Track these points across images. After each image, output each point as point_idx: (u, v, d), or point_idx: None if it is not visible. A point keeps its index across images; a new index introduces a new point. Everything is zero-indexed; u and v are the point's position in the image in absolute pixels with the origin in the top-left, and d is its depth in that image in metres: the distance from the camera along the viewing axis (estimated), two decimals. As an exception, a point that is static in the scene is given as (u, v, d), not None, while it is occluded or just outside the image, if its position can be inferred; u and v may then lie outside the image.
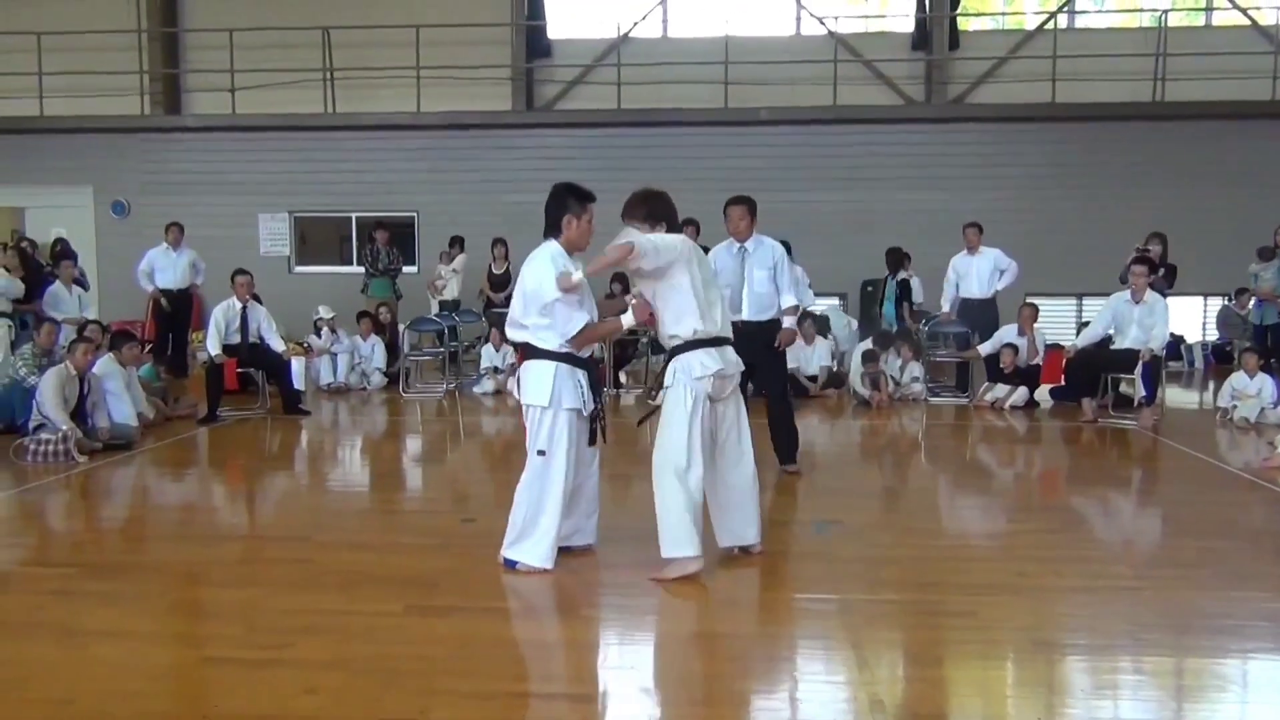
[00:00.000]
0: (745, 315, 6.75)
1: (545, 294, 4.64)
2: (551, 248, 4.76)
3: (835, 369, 11.56)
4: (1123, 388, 10.18)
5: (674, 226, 4.94)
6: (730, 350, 4.81)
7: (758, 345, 6.55)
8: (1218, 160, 14.71)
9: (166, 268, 12.60)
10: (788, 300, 6.94)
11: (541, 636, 4.05)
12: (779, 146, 15.20)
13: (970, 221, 11.28)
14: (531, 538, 4.73)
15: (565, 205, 4.76)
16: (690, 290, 4.68)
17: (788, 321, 7.00)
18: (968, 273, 11.18)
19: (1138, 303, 9.45)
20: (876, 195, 14.97)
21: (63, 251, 12.53)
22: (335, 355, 12.05)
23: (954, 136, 15.23)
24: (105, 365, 8.60)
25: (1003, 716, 3.48)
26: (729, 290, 6.64)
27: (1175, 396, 11.52)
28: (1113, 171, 14.84)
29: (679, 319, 4.70)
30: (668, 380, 4.74)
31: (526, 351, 4.82)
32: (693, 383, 4.63)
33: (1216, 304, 15.19)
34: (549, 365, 4.71)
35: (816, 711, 3.46)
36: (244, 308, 10.11)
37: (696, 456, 4.60)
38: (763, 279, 6.85)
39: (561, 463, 4.66)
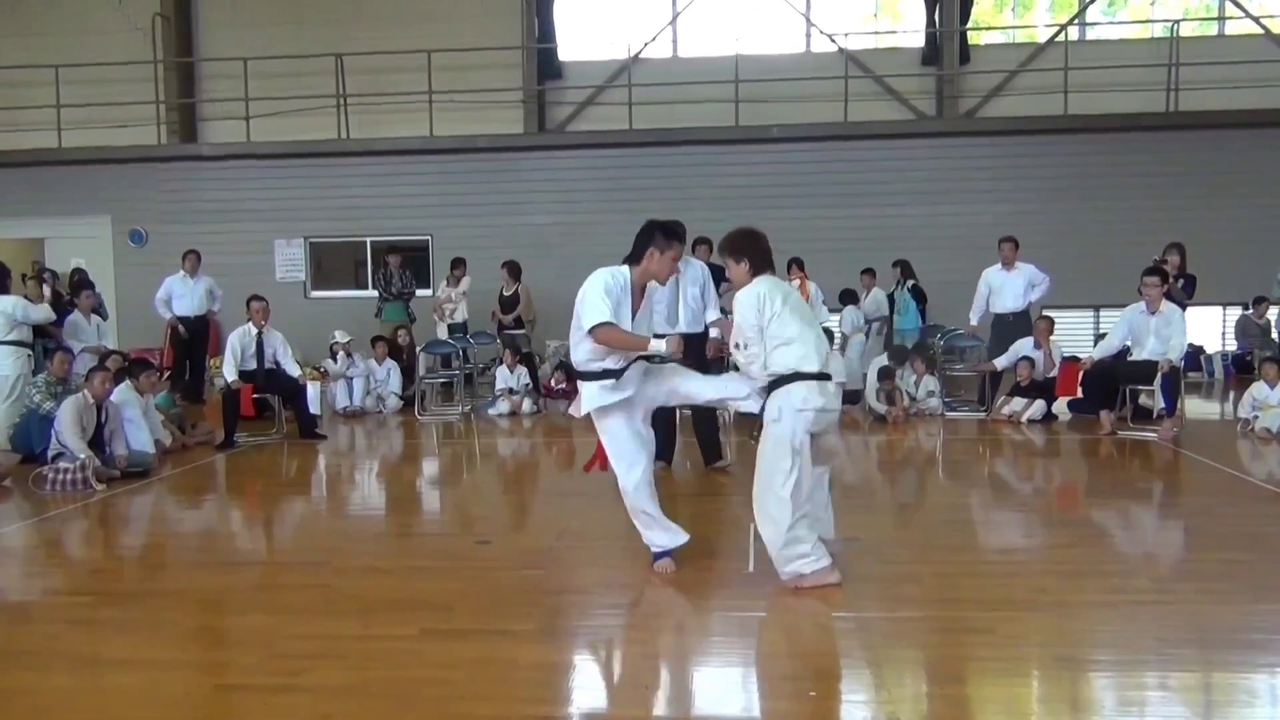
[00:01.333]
0: (680, 327, 7.33)
1: (584, 319, 4.86)
2: (615, 272, 4.96)
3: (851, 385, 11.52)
4: (1141, 399, 10.10)
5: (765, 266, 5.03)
6: (830, 386, 4.85)
7: (688, 353, 6.93)
8: (1234, 169, 14.64)
9: (184, 295, 12.69)
10: (712, 314, 7.68)
11: (557, 658, 4.03)
12: (791, 164, 15.22)
13: (1006, 236, 11.22)
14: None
15: (652, 238, 4.97)
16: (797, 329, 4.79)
17: (714, 333, 7.67)
18: (1001, 288, 11.12)
19: (1153, 314, 9.39)
20: (889, 210, 14.94)
21: (81, 281, 12.63)
22: (351, 380, 12.10)
23: (966, 150, 15.21)
24: (123, 393, 8.65)
25: (1025, 735, 3.43)
26: (664, 306, 7.04)
27: (1195, 407, 11.42)
28: (1128, 182, 14.78)
29: (782, 354, 4.75)
30: (771, 414, 4.75)
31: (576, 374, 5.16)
32: (795, 415, 4.68)
33: (1236, 314, 15.08)
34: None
35: (835, 732, 3.43)
36: (260, 333, 10.16)
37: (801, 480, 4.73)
38: (695, 295, 7.59)
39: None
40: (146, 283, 13.80)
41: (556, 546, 5.80)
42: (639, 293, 5.07)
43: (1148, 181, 14.73)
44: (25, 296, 11.56)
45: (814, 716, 3.58)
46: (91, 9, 16.50)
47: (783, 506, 4.65)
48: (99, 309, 11.99)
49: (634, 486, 5.02)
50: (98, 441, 8.05)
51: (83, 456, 7.72)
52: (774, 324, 4.69)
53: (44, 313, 10.00)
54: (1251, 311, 13.98)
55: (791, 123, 15.13)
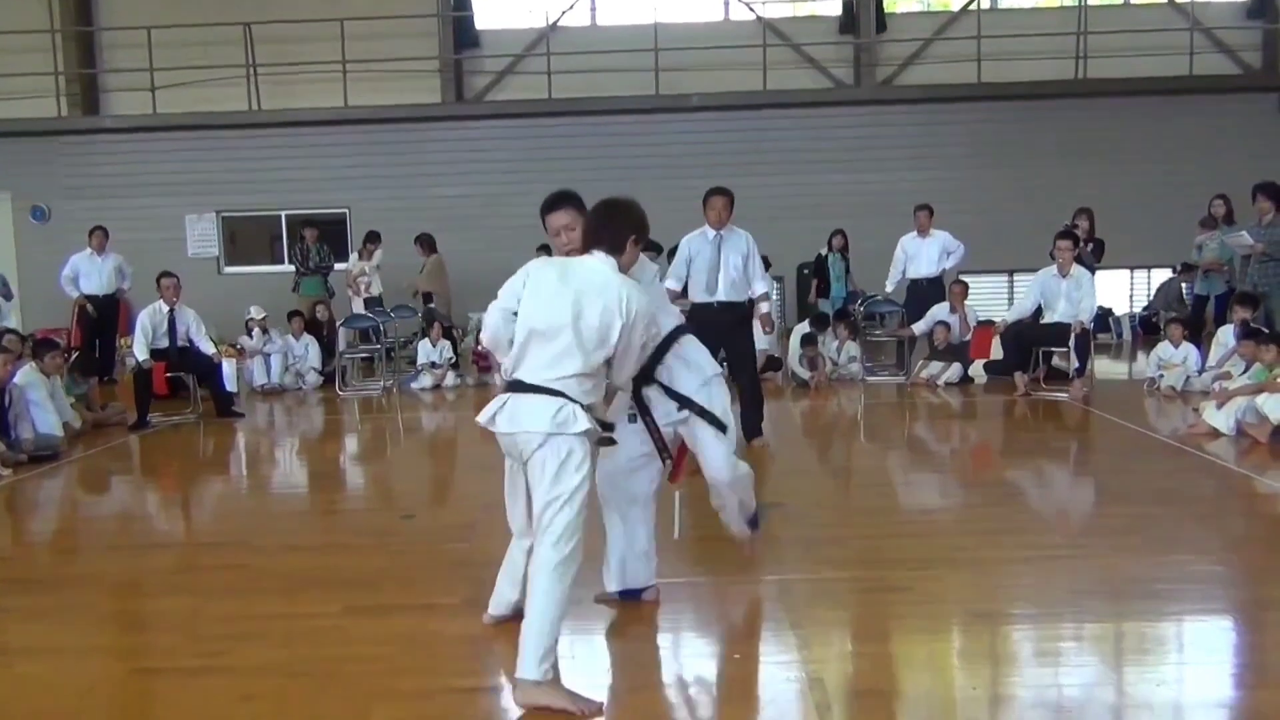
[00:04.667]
0: (720, 297, 7.27)
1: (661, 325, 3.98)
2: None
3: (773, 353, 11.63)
4: (1054, 361, 10.37)
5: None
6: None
7: (724, 325, 7.18)
8: (1140, 136, 15.05)
9: (91, 273, 12.29)
10: (760, 287, 7.50)
11: (483, 631, 4.01)
12: (711, 133, 15.25)
13: (921, 204, 11.40)
14: None
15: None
16: None
17: (765, 307, 7.65)
18: (917, 254, 11.30)
19: (1064, 277, 9.63)
20: (809, 179, 15.08)
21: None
22: (268, 356, 11.85)
23: (884, 118, 15.40)
24: (27, 375, 8.34)
25: (944, 688, 3.51)
26: (704, 274, 7.28)
27: (1104, 368, 11.75)
28: (1039, 149, 15.12)
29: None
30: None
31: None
32: None
33: (1143, 276, 15.56)
34: None
35: (760, 691, 3.47)
36: (171, 311, 9.89)
37: None
38: (737, 264, 7.27)
39: None
40: (51, 261, 13.34)
41: (481, 520, 5.74)
42: None
43: (1057, 148, 15.09)
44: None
45: (738, 679, 3.63)
46: (-17, -25, 15.81)
47: None
48: (1, 289, 11.58)
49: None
50: (2, 425, 7.77)
51: (-14, 441, 7.45)
52: None
53: None
54: (1181, 276, 14.23)
55: (711, 91, 15.13)
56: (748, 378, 7.51)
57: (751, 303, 7.58)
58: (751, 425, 7.41)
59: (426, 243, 13.20)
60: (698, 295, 7.29)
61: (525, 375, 3.46)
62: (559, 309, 3.43)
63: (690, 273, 7.32)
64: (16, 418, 7.95)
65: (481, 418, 3.54)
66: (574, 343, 3.41)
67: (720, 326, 7.07)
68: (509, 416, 3.46)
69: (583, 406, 3.43)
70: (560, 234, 3.98)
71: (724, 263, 7.25)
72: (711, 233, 7.29)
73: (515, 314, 3.56)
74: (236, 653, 3.87)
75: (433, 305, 12.73)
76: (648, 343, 3.77)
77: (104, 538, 6.07)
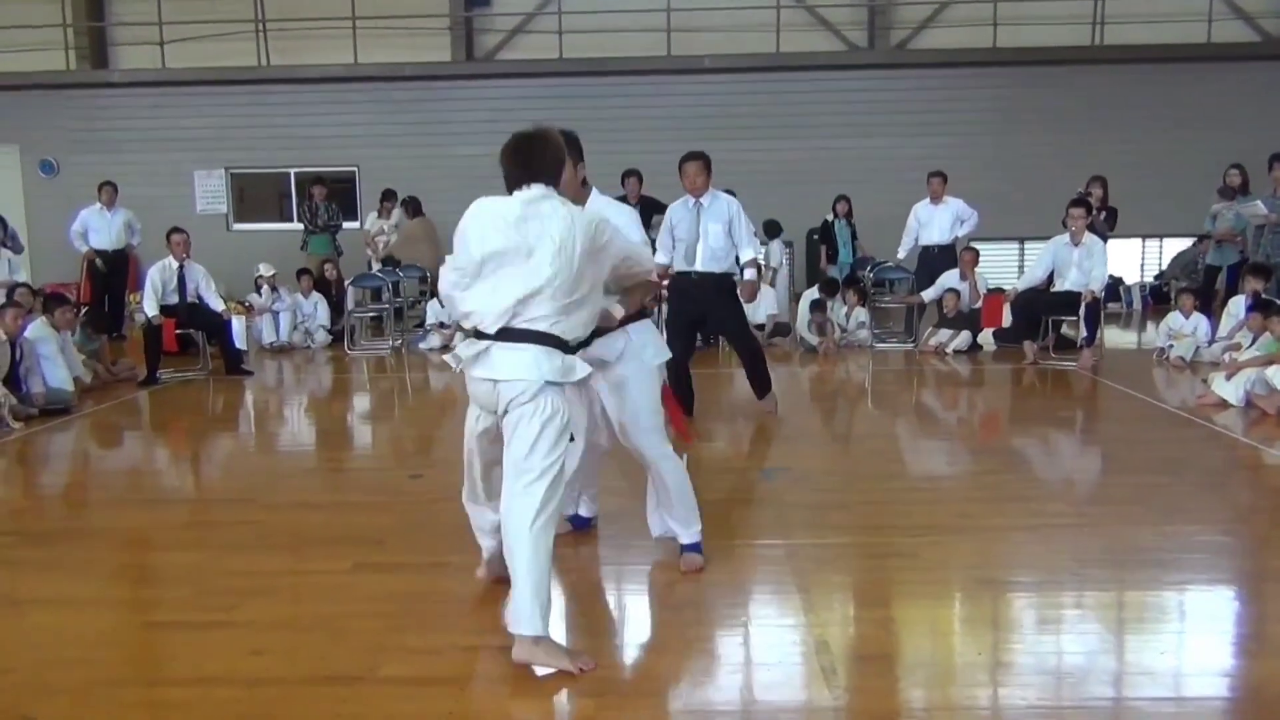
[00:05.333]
0: (698, 267, 7.01)
1: (643, 260, 3.95)
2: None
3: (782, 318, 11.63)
4: (1064, 329, 10.34)
5: None
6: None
7: (709, 294, 7.05)
8: (1156, 103, 14.89)
9: (100, 228, 12.30)
10: (746, 254, 7.16)
11: (489, 590, 4.04)
12: (723, 95, 15.12)
13: (934, 171, 11.34)
14: None
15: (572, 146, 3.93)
16: None
17: (749, 274, 7.26)
18: (930, 221, 11.29)
19: (1076, 245, 9.58)
20: (821, 142, 14.96)
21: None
22: (277, 314, 11.87)
23: (897, 83, 15.25)
24: (38, 329, 8.38)
25: (947, 653, 3.54)
26: (683, 244, 7.03)
27: (1114, 337, 11.73)
28: (1054, 116, 14.97)
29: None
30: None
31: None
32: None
33: (1155, 246, 15.46)
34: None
35: (765, 655, 3.50)
36: (181, 267, 9.89)
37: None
38: (717, 233, 6.99)
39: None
40: (60, 215, 13.33)
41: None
42: None
43: (1072, 115, 14.93)
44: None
45: (743, 642, 3.66)
46: (-9, -75, 15.66)
47: None
48: (11, 243, 11.58)
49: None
50: (13, 379, 7.81)
51: (-3, 394, 7.49)
52: None
53: None
54: (1198, 246, 14.11)
55: (724, 53, 15.00)
56: (743, 344, 7.46)
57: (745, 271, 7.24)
58: (759, 384, 7.44)
59: (412, 206, 13.20)
60: (678, 264, 7.10)
61: (506, 322, 3.33)
62: (514, 246, 3.32)
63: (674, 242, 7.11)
64: (27, 372, 8.00)
65: (458, 361, 3.43)
66: (540, 277, 3.30)
67: (701, 297, 7.03)
68: (490, 363, 3.36)
69: (570, 350, 3.38)
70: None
71: (703, 231, 6.98)
72: (691, 201, 7.03)
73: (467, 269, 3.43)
74: (246, 607, 3.92)
75: (399, 270, 12.52)
76: (630, 257, 3.71)
77: (115, 492, 6.13)
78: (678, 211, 7.11)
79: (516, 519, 3.30)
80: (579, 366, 3.43)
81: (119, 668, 3.53)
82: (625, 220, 4.03)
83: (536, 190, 3.42)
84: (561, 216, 3.37)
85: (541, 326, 3.34)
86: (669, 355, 4.22)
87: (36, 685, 3.30)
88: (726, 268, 7.14)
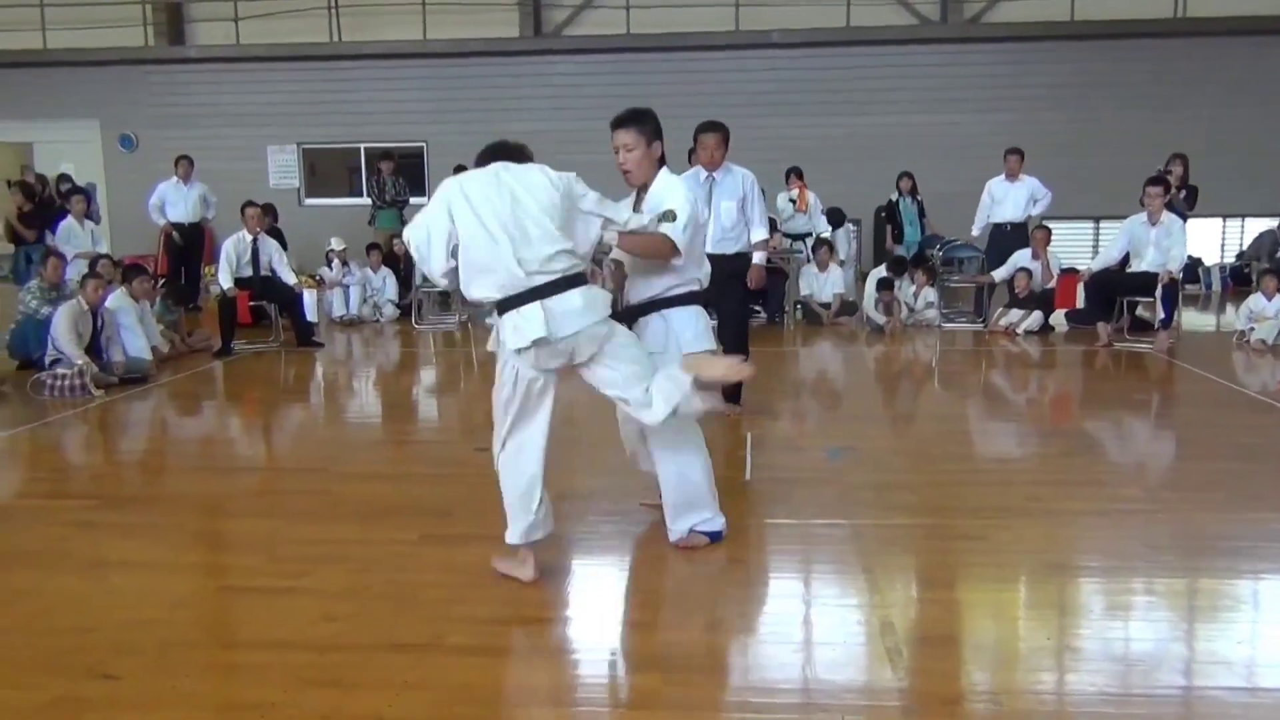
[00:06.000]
0: (708, 248, 5.84)
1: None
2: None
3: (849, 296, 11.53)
4: (1139, 311, 10.11)
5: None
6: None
7: (717, 277, 6.11)
8: (1240, 78, 14.41)
9: (177, 201, 12.57)
10: (758, 234, 6.60)
11: (555, 563, 4.08)
12: (791, 70, 14.97)
13: (1012, 148, 11.15)
14: None
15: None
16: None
17: (758, 257, 6.68)
18: (1004, 198, 11.12)
19: (1154, 224, 9.35)
20: (890, 119, 14.75)
21: (72, 188, 12.49)
22: (347, 288, 12.05)
23: (970, 57, 14.96)
24: (118, 300, 8.62)
25: (1013, 638, 3.50)
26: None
27: (1192, 319, 11.44)
28: (1132, 91, 14.58)
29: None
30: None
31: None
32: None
33: (1236, 226, 15.01)
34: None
35: (828, 635, 3.49)
36: (255, 240, 10.09)
37: None
38: (730, 210, 6.47)
39: None
40: (138, 189, 13.64)
41: (554, 453, 5.83)
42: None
43: (1152, 90, 14.53)
44: (17, 207, 11.52)
45: (808, 621, 3.65)
46: (74, -96, 16.01)
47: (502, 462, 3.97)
48: (91, 214, 11.90)
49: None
50: (94, 348, 8.05)
51: (80, 363, 7.72)
52: None
53: None
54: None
55: (792, 27, 14.83)
56: (731, 337, 6.39)
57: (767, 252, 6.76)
58: (730, 389, 6.38)
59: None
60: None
61: (539, 278, 3.59)
62: (504, 209, 3.61)
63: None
64: (108, 341, 8.23)
65: (530, 334, 3.61)
66: (535, 234, 3.59)
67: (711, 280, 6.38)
68: (560, 319, 3.61)
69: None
70: (619, 152, 4.19)
71: (714, 209, 6.38)
72: (703, 174, 6.49)
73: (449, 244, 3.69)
74: (316, 574, 4.00)
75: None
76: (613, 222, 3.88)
77: (190, 459, 6.30)
78: (689, 185, 6.57)
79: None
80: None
81: (194, 630, 3.63)
82: (674, 195, 4.12)
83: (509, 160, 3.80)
84: (533, 170, 3.75)
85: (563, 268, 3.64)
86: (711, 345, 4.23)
87: (117, 644, 3.41)
88: (739, 248, 6.55)
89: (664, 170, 4.23)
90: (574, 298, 3.62)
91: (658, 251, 4.05)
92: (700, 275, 4.31)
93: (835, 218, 12.87)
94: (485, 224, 3.60)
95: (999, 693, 3.08)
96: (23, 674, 3.23)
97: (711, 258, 6.11)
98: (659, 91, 14.65)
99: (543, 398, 3.79)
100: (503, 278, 3.61)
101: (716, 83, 14.82)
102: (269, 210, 11.32)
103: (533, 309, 3.59)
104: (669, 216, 4.01)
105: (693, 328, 4.20)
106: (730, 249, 6.47)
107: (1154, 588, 3.88)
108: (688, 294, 4.24)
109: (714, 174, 6.51)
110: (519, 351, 3.68)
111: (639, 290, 4.24)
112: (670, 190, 4.13)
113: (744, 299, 6.84)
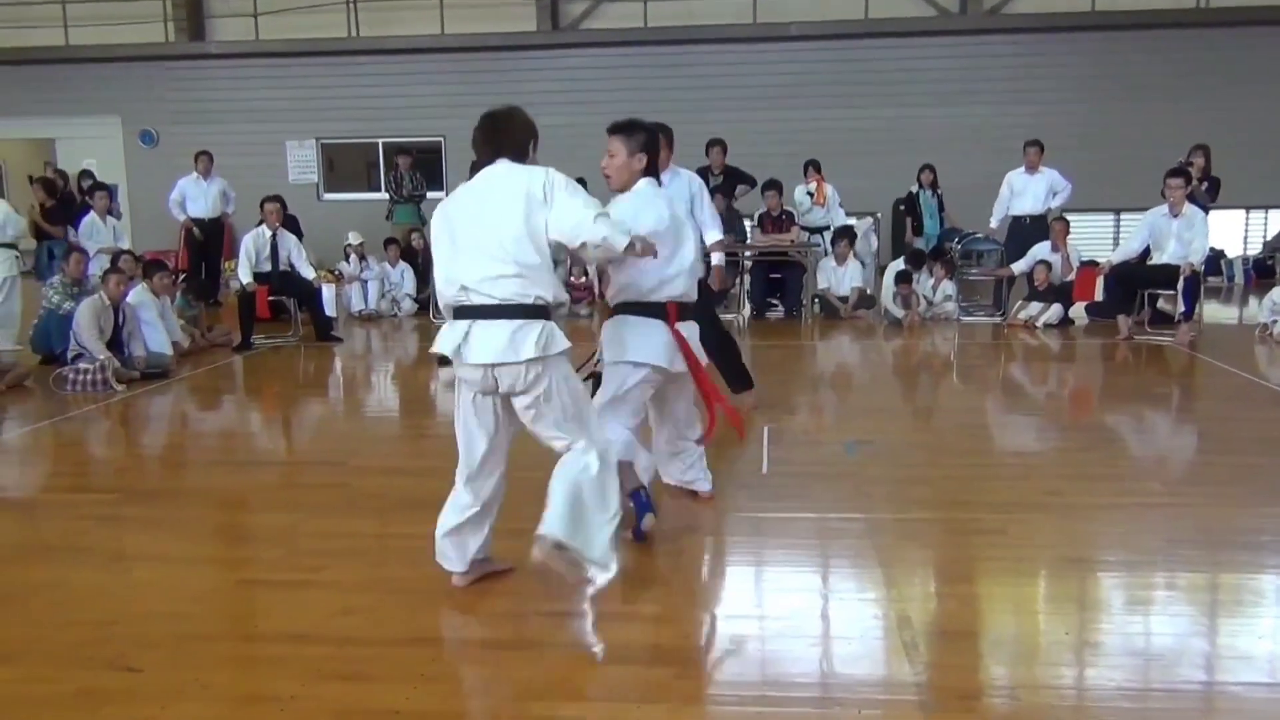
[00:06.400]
0: None
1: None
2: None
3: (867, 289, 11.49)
4: (1160, 304, 10.04)
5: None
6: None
7: None
8: (1262, 68, 14.29)
9: (197, 197, 12.63)
10: (712, 236, 6.29)
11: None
12: (808, 62, 14.91)
13: (1031, 140, 11.09)
14: None
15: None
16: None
17: (716, 259, 6.50)
18: (1024, 191, 11.07)
19: (1176, 216, 9.27)
20: (909, 111, 14.68)
21: (95, 184, 12.59)
22: (365, 282, 12.10)
23: (989, 49, 14.87)
24: (139, 295, 8.67)
25: (1032, 632, 3.48)
26: None
27: (1214, 312, 11.35)
28: (1153, 82, 14.46)
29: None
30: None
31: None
32: None
33: (1259, 218, 14.87)
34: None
35: (845, 628, 3.48)
36: (274, 235, 10.13)
37: None
38: None
39: None
40: (159, 184, 13.74)
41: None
42: None
43: (1173, 81, 14.41)
44: (38, 203, 11.61)
45: (825, 615, 3.65)
46: (94, -99, 16.11)
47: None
48: (113, 210, 11.98)
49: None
50: (116, 343, 8.10)
51: (102, 358, 7.78)
52: None
53: (16, 227, 9.93)
54: None
55: (810, 20, 14.77)
56: (715, 347, 5.86)
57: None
58: (734, 377, 6.41)
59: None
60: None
61: (477, 297, 3.43)
62: (471, 222, 3.48)
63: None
64: (129, 336, 8.28)
65: (441, 347, 3.50)
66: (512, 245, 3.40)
67: None
68: (476, 345, 3.44)
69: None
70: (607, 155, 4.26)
71: None
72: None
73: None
74: (335, 568, 4.02)
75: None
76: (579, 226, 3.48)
77: (211, 453, 6.34)
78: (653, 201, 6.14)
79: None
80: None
81: (214, 623, 3.65)
82: (639, 204, 4.15)
83: (500, 166, 3.59)
84: (516, 173, 3.54)
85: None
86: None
87: (139, 637, 3.44)
88: None
89: (643, 182, 4.27)
90: (500, 329, 3.39)
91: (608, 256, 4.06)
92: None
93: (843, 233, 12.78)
94: (455, 234, 3.51)
95: (1017, 687, 3.07)
96: (46, 666, 3.26)
97: None
98: (677, 84, 14.71)
99: (483, 415, 3.63)
100: (450, 289, 3.50)
101: (734, 76, 14.80)
102: (279, 201, 11.27)
103: (459, 325, 3.46)
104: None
105: (691, 338, 4.26)
106: None
107: (1175, 582, 3.85)
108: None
109: (660, 177, 6.18)
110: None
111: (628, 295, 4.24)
112: (631, 201, 4.18)
113: (708, 303, 6.21)
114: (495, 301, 3.40)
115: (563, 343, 3.50)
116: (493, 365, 3.43)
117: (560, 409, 3.51)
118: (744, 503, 4.76)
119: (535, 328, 3.42)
